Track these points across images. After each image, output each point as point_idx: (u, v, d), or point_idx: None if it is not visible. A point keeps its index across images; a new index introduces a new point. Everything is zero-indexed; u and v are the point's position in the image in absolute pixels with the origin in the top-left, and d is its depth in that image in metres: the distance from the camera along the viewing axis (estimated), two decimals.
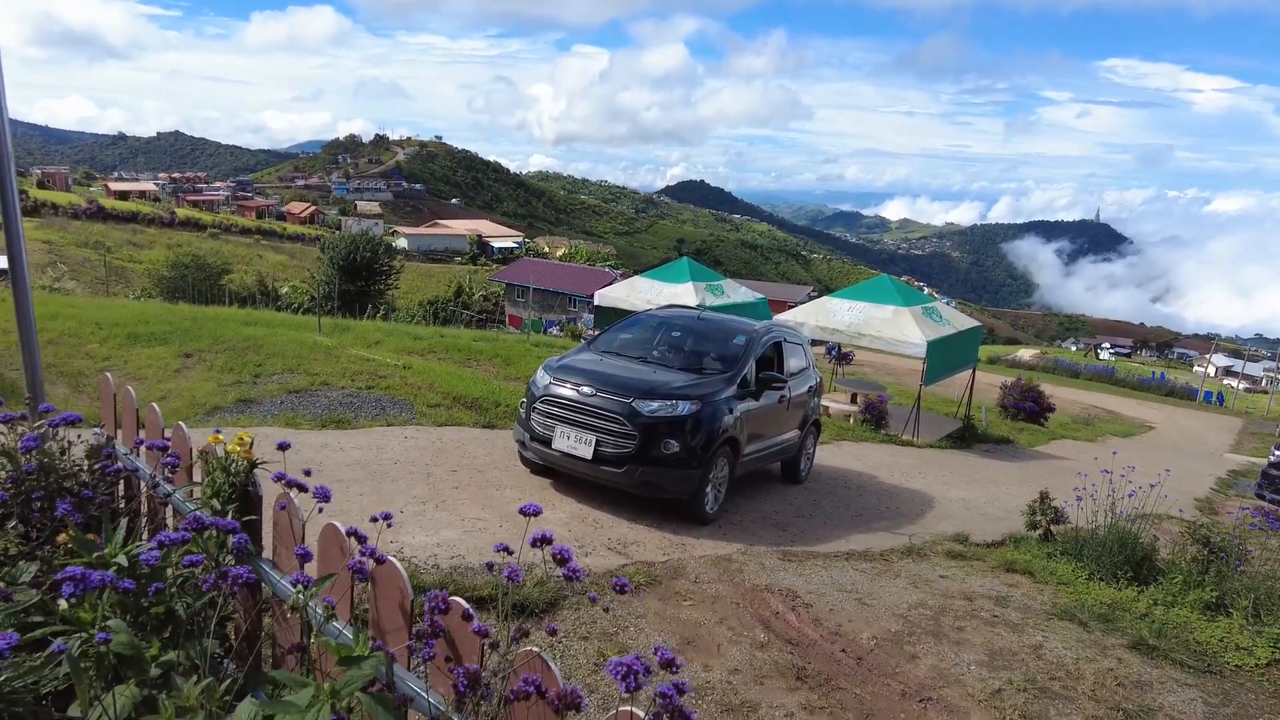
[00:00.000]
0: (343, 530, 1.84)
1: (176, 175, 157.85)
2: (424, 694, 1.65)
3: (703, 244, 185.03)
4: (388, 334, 15.55)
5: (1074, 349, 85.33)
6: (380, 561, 1.82)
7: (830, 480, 8.85)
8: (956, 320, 14.79)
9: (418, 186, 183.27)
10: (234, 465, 2.14)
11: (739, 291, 17.51)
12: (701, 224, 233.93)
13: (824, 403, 14.52)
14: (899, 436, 12.80)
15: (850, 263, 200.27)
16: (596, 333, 9.14)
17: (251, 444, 2.18)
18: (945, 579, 5.89)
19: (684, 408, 6.04)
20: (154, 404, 2.70)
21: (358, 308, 29.07)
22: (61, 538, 2.32)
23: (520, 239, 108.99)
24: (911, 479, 9.73)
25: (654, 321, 7.99)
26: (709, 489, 6.25)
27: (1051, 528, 7.14)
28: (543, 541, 1.59)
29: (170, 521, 2.58)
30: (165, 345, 10.91)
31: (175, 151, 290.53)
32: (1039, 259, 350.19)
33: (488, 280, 64.98)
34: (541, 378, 6.56)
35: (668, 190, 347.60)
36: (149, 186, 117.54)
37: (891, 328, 12.99)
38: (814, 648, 4.48)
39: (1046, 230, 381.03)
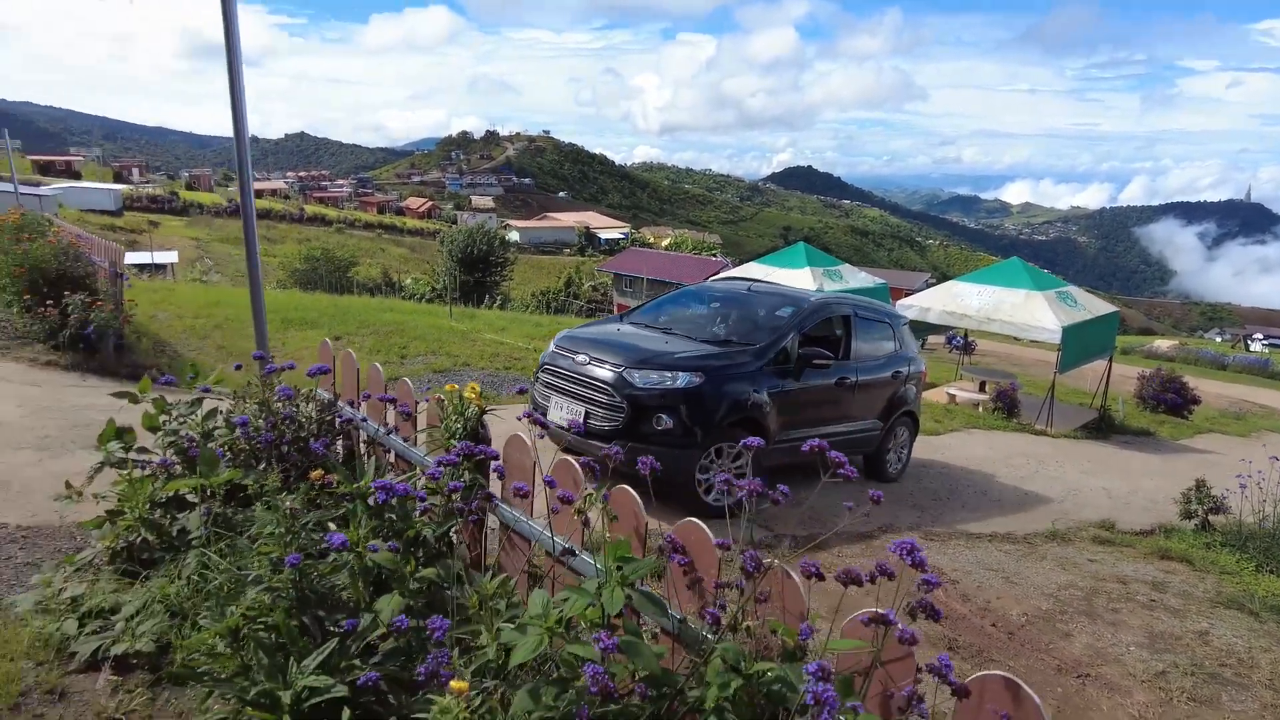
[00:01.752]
0: (576, 464, 2.07)
1: (303, 174, 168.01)
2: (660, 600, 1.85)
3: (811, 231, 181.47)
4: (510, 321, 16.26)
5: (1219, 340, 78.61)
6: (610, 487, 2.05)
7: (963, 466, 8.68)
8: (1092, 305, 14.06)
9: (526, 180, 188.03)
10: (468, 410, 2.42)
11: (858, 276, 17.21)
12: (809, 210, 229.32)
13: (950, 390, 14.13)
14: (1031, 425, 12.33)
15: (968, 248, 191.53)
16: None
17: (480, 393, 2.46)
18: (1094, 563, 5.73)
19: (682, 380, 5.35)
20: (377, 364, 3.05)
21: (475, 298, 30.29)
22: (314, 474, 2.69)
23: (626, 230, 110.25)
24: (1048, 467, 9.40)
25: (700, 293, 7.38)
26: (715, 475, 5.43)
27: (1209, 517, 6.79)
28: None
29: (392, 460, 2.90)
30: (316, 329, 11.83)
31: (300, 151, 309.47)
32: (1176, 243, 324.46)
33: (596, 271, 66.08)
34: (549, 347, 6.16)
35: (773, 177, 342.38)
36: (279, 185, 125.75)
37: (1023, 312, 12.51)
38: (963, 621, 4.50)
39: (1187, 212, 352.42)
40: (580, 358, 5.68)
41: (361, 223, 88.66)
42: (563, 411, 5.56)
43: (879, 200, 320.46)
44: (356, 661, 1.94)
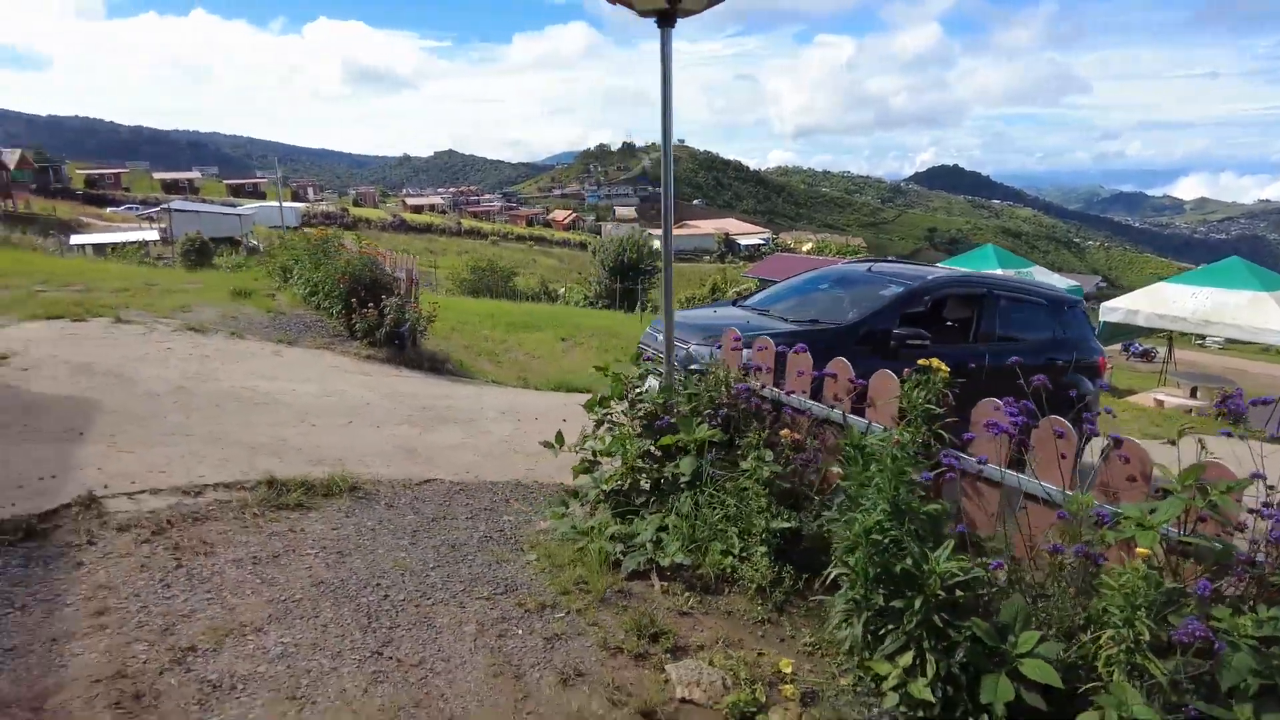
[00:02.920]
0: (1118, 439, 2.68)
1: (455, 190, 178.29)
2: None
3: (958, 232, 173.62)
4: None
5: None
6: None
7: None
8: None
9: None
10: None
11: (1050, 278, 16.86)
12: (955, 211, 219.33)
13: (1158, 396, 13.64)
14: (1262, 433, 11.77)
15: (1133, 249, 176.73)
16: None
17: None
18: None
19: (745, 355, 5.15)
20: (802, 345, 3.78)
21: (627, 304, 31.44)
22: (784, 433, 3.43)
23: (767, 235, 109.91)
24: None
25: (821, 277, 7.03)
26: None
27: None
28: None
29: (804, 424, 3.59)
30: (540, 331, 13.05)
31: (449, 168, 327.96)
32: None
33: (741, 276, 66.51)
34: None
35: (916, 177, 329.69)
36: (436, 200, 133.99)
37: (1250, 314, 11.98)
38: None
39: None
40: (661, 338, 5.48)
41: (513, 235, 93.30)
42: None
43: (1031, 199, 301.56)
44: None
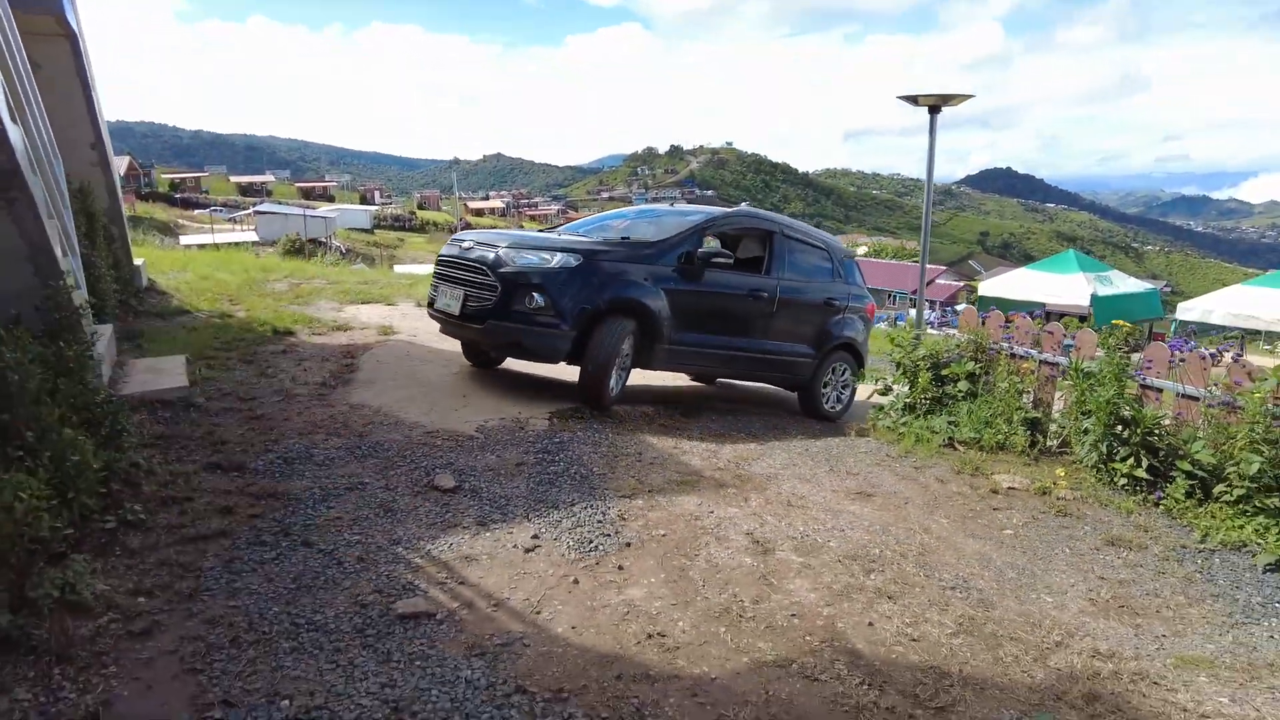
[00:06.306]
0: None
1: (512, 193, 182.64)
2: None
3: (1010, 236, 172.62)
4: None
5: None
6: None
7: None
8: None
9: (709, 192, 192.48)
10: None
11: (1128, 281, 18.86)
12: (1008, 214, 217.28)
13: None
14: None
15: (1196, 254, 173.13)
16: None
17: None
18: None
19: (559, 259, 5.37)
20: (1024, 314, 6.18)
21: None
22: (1025, 365, 5.84)
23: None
24: None
25: (626, 212, 7.52)
26: (605, 363, 5.39)
27: None
28: None
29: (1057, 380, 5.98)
30: None
31: (497, 171, 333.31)
32: None
33: None
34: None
35: (968, 180, 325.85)
36: (497, 204, 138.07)
37: None
38: None
39: None
40: (466, 245, 5.80)
41: None
42: (445, 298, 5.71)
43: (1087, 203, 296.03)
44: None
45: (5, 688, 2.13)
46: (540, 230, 6.76)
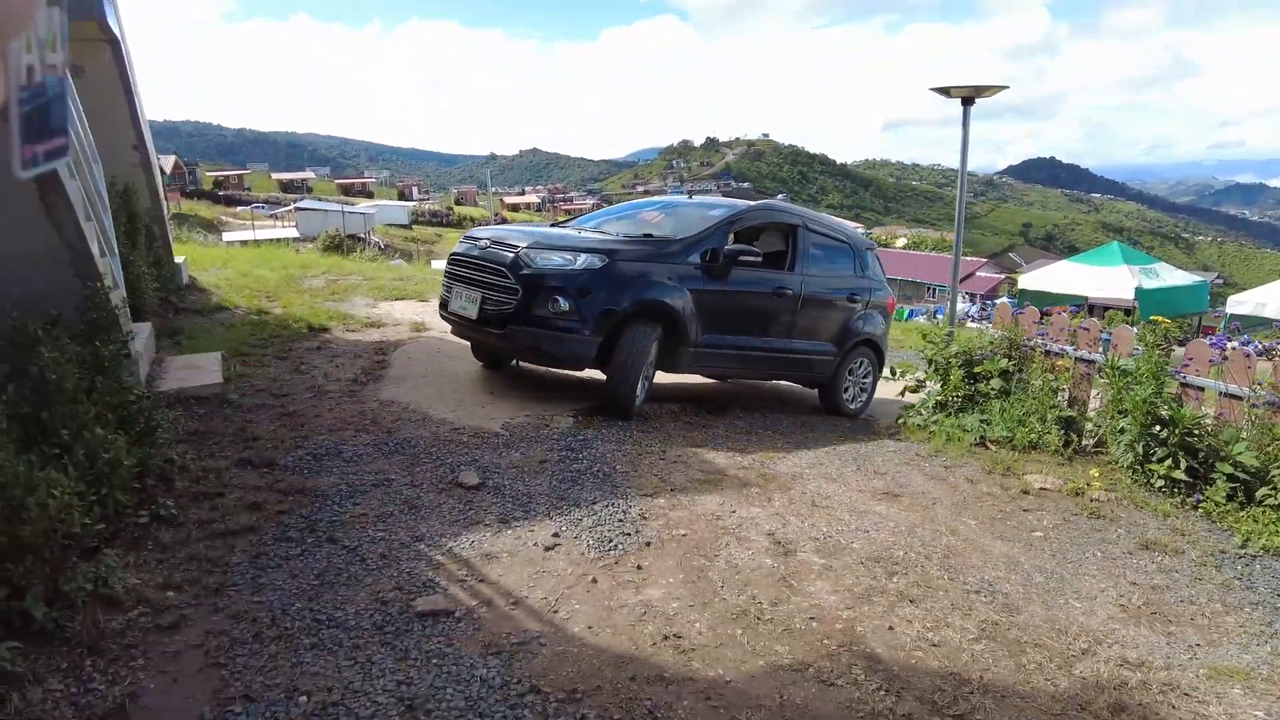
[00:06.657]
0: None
1: (548, 188, 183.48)
2: None
3: (1054, 227, 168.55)
4: None
5: None
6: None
7: None
8: None
9: (746, 185, 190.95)
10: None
11: (1175, 274, 18.32)
12: (1051, 205, 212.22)
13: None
14: None
15: (1251, 245, 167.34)
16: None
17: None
18: None
19: (582, 260, 5.12)
20: (1030, 308, 6.04)
21: None
22: (1060, 363, 5.71)
23: (860, 230, 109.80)
24: None
25: (645, 204, 7.24)
26: (630, 372, 5.18)
27: None
28: None
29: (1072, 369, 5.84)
30: None
31: (533, 166, 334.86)
32: None
33: None
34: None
35: (1010, 170, 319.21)
36: (533, 199, 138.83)
37: None
38: None
39: None
40: (483, 243, 5.54)
41: None
42: (460, 300, 5.46)
43: (1135, 193, 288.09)
44: None
45: (39, 678, 2.21)
46: (554, 225, 6.43)
